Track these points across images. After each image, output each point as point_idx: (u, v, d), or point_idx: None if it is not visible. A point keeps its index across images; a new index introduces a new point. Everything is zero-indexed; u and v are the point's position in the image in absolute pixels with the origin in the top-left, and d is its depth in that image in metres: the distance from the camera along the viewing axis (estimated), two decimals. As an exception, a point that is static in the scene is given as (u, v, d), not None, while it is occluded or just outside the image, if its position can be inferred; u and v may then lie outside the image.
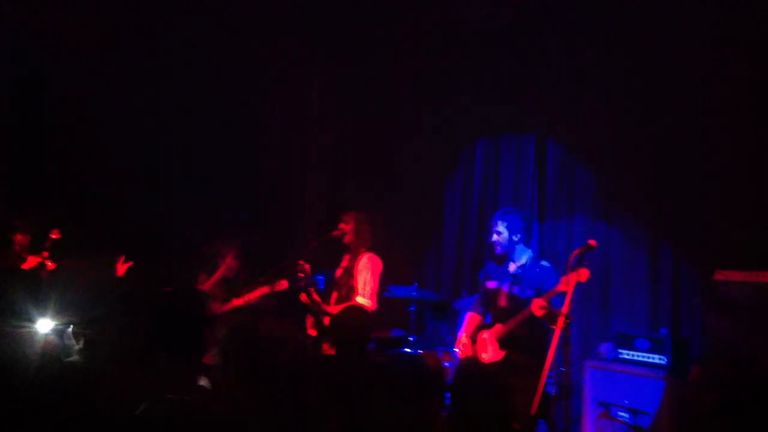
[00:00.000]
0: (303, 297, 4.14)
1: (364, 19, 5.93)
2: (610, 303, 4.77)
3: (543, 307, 3.52)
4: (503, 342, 3.82)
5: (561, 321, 3.12)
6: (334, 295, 4.35)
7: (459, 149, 5.83)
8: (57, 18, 5.37)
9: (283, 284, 4.18)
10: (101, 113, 5.64)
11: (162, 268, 4.58)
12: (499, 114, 5.48)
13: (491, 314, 4.03)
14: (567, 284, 3.27)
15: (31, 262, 4.43)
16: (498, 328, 3.85)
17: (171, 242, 5.47)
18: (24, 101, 5.44)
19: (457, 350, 4.16)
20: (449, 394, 2.28)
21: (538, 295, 3.66)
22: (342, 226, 4.34)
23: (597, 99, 4.94)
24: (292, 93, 6.40)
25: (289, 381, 2.03)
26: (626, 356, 4.23)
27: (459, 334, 4.18)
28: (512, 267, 3.94)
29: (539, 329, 3.70)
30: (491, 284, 4.03)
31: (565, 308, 3.15)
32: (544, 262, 3.94)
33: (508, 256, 3.95)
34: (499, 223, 3.96)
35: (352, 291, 4.21)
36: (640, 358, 4.17)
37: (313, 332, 4.22)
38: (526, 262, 3.92)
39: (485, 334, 3.93)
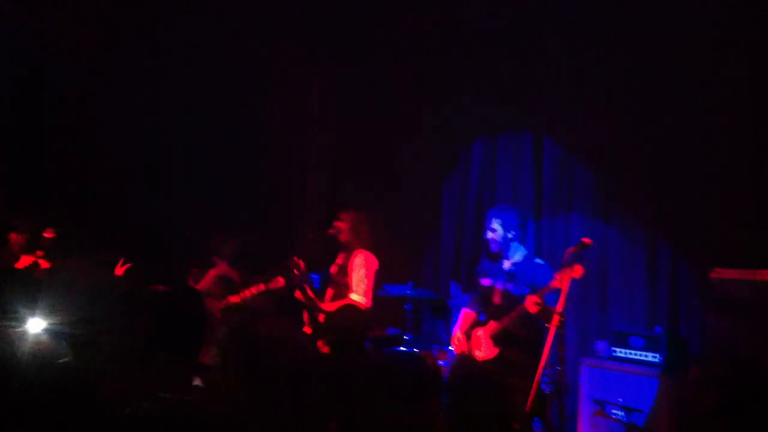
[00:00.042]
0: (298, 294, 4.16)
1: (364, 19, 5.94)
2: (608, 302, 4.77)
3: (537, 304, 3.52)
4: (497, 339, 3.82)
5: (556, 319, 3.13)
6: (329, 292, 4.37)
7: (458, 149, 5.83)
8: (57, 18, 5.37)
9: (280, 281, 4.19)
10: (101, 113, 5.65)
11: (162, 268, 4.58)
12: (499, 114, 5.48)
13: (486, 311, 4.03)
14: (561, 281, 3.28)
15: (25, 261, 4.44)
16: (492, 325, 3.86)
17: (171, 242, 5.47)
18: (24, 101, 5.44)
19: (452, 347, 4.17)
20: (448, 394, 2.28)
21: (532, 292, 3.67)
22: (337, 224, 4.36)
23: (597, 99, 4.94)
24: (292, 93, 6.40)
25: (289, 381, 2.03)
26: (621, 354, 4.25)
27: (454, 330, 4.19)
28: (507, 264, 3.95)
29: (534, 327, 3.70)
30: (485, 281, 4.04)
31: (559, 306, 3.16)
32: (538, 260, 3.95)
33: (502, 253, 3.96)
34: (494, 220, 3.96)
35: (346, 288, 4.22)
36: (635, 356, 4.19)
37: (308, 329, 4.24)
38: (521, 260, 3.92)
39: (479, 332, 3.93)
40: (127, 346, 2.10)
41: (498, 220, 3.94)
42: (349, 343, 2.95)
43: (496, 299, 3.93)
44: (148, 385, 1.90)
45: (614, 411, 3.98)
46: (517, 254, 3.94)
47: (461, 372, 2.40)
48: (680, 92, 4.52)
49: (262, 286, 4.28)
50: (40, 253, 4.48)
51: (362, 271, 4.20)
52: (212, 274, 4.61)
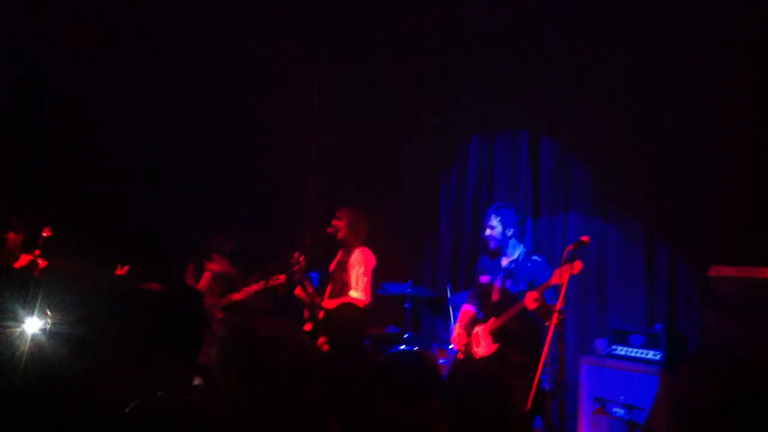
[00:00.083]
0: (298, 291, 4.17)
1: (364, 19, 5.94)
2: (607, 300, 4.77)
3: (536, 300, 3.53)
4: (496, 335, 3.82)
5: (555, 317, 3.13)
6: (328, 289, 4.39)
7: (457, 148, 5.83)
8: (57, 18, 5.38)
9: (281, 278, 4.20)
10: (101, 113, 5.65)
11: (162, 268, 4.59)
12: (498, 113, 5.48)
13: (484, 309, 4.03)
14: (560, 277, 3.28)
15: (23, 260, 4.45)
16: (491, 321, 3.86)
17: (171, 242, 5.47)
18: (24, 101, 5.45)
19: (452, 345, 4.17)
20: (448, 394, 2.28)
21: (531, 288, 3.67)
22: (335, 222, 4.37)
23: (597, 99, 4.94)
24: (292, 93, 6.40)
25: (289, 381, 2.03)
26: (621, 352, 4.23)
27: (453, 326, 4.19)
28: (505, 261, 3.96)
29: (533, 325, 3.70)
30: (484, 279, 4.05)
31: (559, 303, 3.15)
32: (536, 257, 3.96)
33: (501, 250, 3.96)
34: (493, 217, 3.97)
35: (345, 285, 4.23)
36: (635, 354, 4.17)
37: (308, 327, 4.25)
38: (519, 257, 3.93)
39: (479, 329, 3.94)
40: (126, 346, 2.10)
41: (497, 217, 3.95)
42: (349, 341, 2.95)
43: (495, 296, 3.94)
44: (148, 385, 1.90)
45: (615, 409, 3.98)
46: (516, 251, 3.94)
47: (461, 372, 2.40)
48: (680, 92, 4.51)
49: (263, 283, 4.28)
50: (38, 252, 4.49)
51: (361, 268, 4.22)
52: (210, 270, 4.59)
